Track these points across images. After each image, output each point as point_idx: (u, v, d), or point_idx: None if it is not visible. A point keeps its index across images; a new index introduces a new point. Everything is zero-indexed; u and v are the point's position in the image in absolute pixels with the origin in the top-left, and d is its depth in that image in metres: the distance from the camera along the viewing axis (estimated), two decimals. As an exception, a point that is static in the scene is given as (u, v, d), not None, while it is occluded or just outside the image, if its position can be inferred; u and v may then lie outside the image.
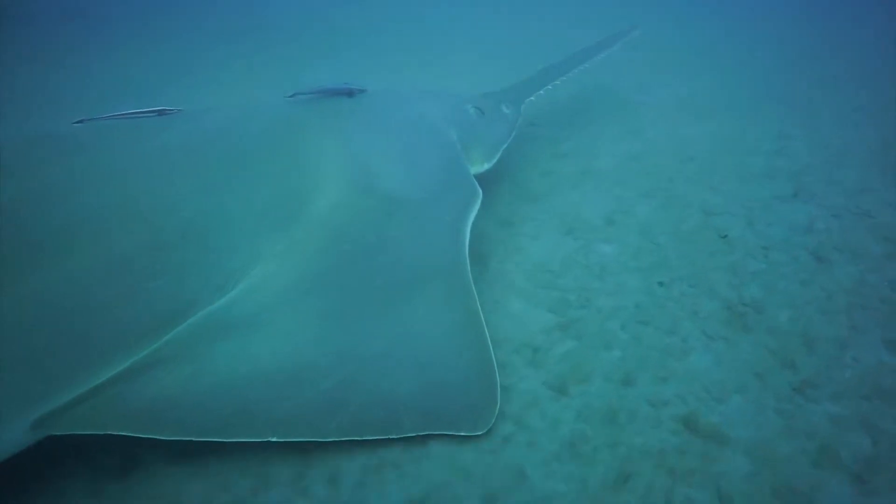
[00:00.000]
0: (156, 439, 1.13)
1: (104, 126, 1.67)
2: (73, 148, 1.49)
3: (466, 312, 1.38)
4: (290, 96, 1.85)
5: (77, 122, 1.77)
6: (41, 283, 1.17)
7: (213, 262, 1.34)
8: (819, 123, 2.92)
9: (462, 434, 1.21)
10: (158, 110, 1.78)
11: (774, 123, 2.92)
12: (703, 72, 3.87)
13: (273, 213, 1.47)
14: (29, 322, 1.14)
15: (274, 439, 1.16)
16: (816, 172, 2.39)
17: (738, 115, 3.07)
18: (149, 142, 1.53)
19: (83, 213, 1.30)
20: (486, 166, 2.12)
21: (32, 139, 1.51)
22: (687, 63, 4.09)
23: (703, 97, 3.37)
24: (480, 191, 1.78)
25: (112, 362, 1.19)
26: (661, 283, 1.73)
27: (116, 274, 1.24)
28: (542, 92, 2.52)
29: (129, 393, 1.17)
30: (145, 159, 1.47)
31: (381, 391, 1.24)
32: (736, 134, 2.83)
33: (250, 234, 1.41)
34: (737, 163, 2.49)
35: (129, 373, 1.18)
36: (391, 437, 1.20)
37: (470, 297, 1.41)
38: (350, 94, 1.96)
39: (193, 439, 1.14)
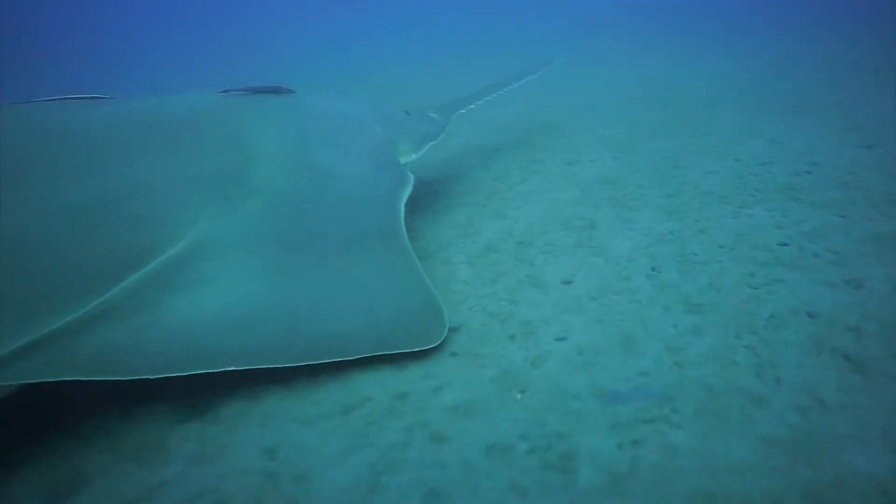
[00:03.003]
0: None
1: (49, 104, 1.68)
2: (20, 117, 1.51)
3: (403, 261, 1.48)
4: (222, 92, 1.93)
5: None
6: None
7: (160, 219, 1.38)
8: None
9: (416, 349, 1.26)
10: (90, 97, 1.80)
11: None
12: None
13: (213, 178, 1.53)
14: None
15: (231, 368, 1.16)
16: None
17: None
18: (97, 112, 1.57)
19: (35, 163, 1.31)
20: (414, 156, 2.25)
21: None
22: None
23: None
24: (412, 175, 1.92)
25: (63, 311, 1.18)
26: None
27: (67, 223, 1.25)
28: (472, 106, 2.82)
29: (83, 339, 1.15)
30: (94, 126, 1.52)
31: (331, 329, 1.28)
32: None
33: (193, 195, 1.46)
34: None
35: (81, 321, 1.17)
36: (346, 358, 1.23)
37: (405, 249, 1.51)
38: (277, 91, 2.06)
39: (150, 377, 1.13)
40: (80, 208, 1.31)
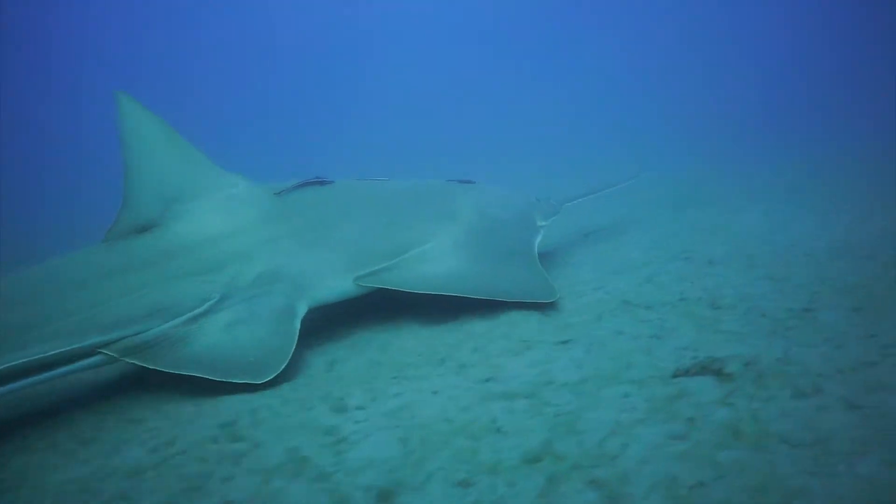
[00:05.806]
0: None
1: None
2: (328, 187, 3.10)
3: (535, 265, 2.98)
4: (446, 180, 3.55)
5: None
6: (359, 220, 2.74)
7: (420, 231, 2.92)
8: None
9: (542, 301, 2.59)
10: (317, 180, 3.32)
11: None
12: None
13: (444, 215, 3.12)
14: (359, 232, 2.77)
15: (449, 293, 2.58)
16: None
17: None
18: (393, 184, 3.35)
19: (368, 205, 2.99)
20: (543, 223, 3.65)
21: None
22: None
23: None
24: (542, 231, 3.36)
25: (384, 261, 2.77)
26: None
27: (382, 230, 2.84)
28: (575, 202, 4.28)
29: (395, 272, 2.70)
30: (396, 190, 3.31)
31: (501, 287, 2.70)
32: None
33: (433, 223, 3.00)
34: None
35: (398, 265, 2.74)
36: (506, 300, 2.60)
37: (536, 261, 3.02)
38: (470, 181, 3.62)
39: (420, 291, 2.61)
40: (387, 224, 2.92)
